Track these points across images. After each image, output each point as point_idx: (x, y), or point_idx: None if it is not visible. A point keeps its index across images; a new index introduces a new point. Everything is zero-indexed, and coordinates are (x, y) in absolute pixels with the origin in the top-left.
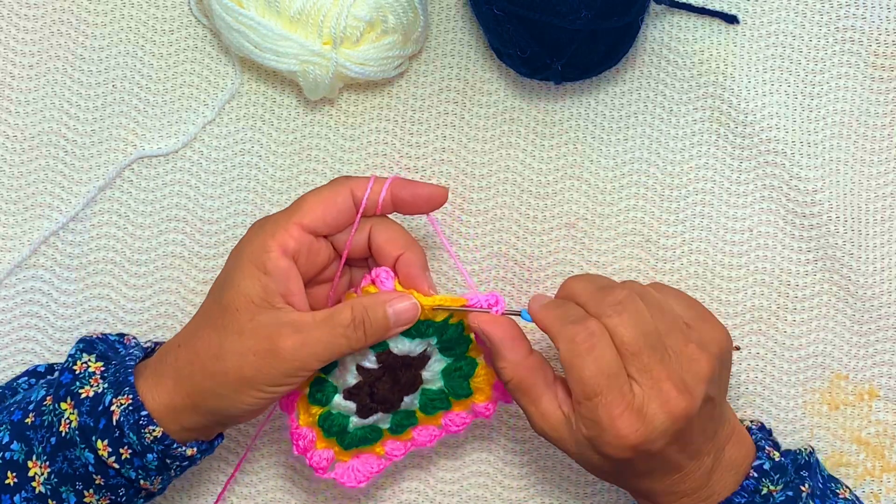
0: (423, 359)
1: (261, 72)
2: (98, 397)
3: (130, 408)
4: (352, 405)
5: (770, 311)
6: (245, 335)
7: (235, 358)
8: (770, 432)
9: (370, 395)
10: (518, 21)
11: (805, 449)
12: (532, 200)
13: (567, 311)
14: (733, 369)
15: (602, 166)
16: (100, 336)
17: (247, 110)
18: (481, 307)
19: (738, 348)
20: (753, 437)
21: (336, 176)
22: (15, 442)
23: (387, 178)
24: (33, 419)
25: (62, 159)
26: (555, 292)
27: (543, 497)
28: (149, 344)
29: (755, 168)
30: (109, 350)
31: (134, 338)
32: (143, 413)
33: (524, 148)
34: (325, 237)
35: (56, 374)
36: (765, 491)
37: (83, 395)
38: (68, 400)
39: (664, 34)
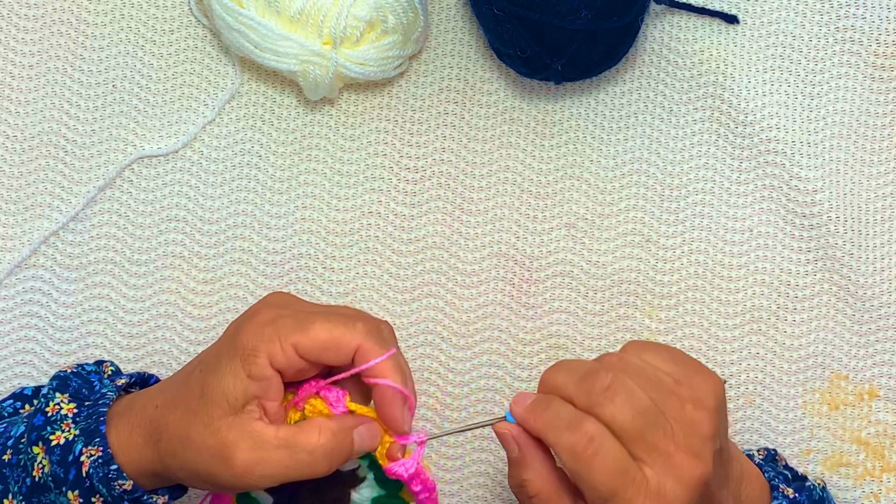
0: (354, 479)
1: (261, 72)
2: (68, 445)
3: (100, 460)
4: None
5: (770, 311)
6: (209, 431)
7: (194, 452)
8: (775, 455)
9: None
10: (518, 21)
11: (818, 483)
12: (532, 200)
13: (557, 413)
14: (733, 369)
15: (602, 166)
16: (74, 370)
17: (247, 110)
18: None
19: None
20: (766, 474)
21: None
22: None
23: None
24: (10, 457)
25: (62, 159)
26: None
27: None
28: (123, 382)
29: (755, 168)
30: (84, 385)
31: (112, 365)
32: (113, 467)
33: (524, 148)
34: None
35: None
36: None
37: (54, 443)
38: (40, 444)
39: (664, 34)
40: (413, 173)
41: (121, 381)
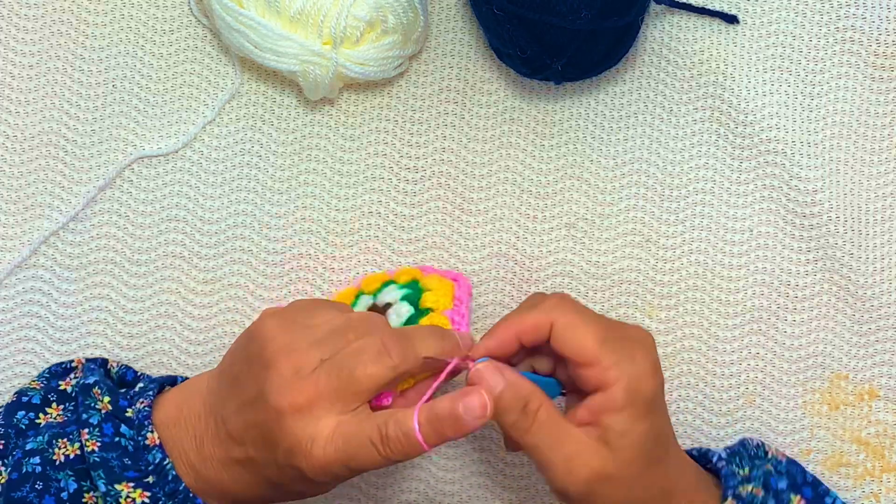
0: (386, 307)
1: (261, 72)
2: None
3: None
4: None
5: (770, 310)
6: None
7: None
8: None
9: None
10: (518, 21)
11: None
12: (532, 200)
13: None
14: (733, 369)
15: (602, 166)
16: (105, 442)
17: (247, 110)
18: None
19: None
20: (724, 480)
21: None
22: None
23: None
24: None
25: (62, 159)
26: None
27: (544, 497)
28: (155, 443)
29: (755, 168)
30: (124, 455)
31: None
32: None
33: (524, 148)
34: None
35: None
36: None
37: None
38: None
39: (664, 34)
40: (413, 173)
41: (154, 438)
